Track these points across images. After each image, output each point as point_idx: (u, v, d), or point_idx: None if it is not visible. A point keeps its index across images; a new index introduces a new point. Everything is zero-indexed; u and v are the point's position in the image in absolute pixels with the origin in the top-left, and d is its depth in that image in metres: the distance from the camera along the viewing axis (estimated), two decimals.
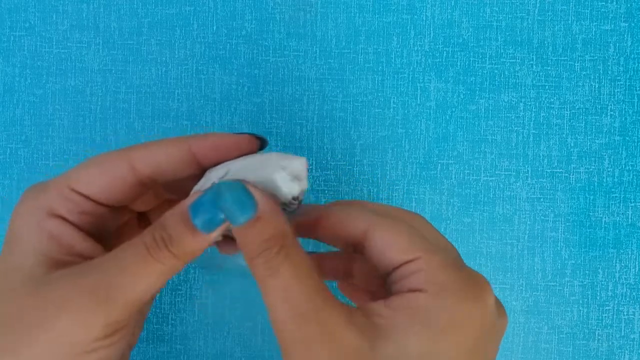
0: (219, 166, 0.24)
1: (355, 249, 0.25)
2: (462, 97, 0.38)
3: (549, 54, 0.38)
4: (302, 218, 0.25)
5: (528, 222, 0.38)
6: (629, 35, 0.38)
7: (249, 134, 0.25)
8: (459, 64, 0.38)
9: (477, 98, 0.38)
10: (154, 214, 0.29)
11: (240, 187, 0.22)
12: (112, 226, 0.26)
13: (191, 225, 0.22)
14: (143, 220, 0.29)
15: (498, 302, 0.24)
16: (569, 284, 0.38)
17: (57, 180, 0.24)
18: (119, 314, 0.22)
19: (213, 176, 0.24)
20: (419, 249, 0.22)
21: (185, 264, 0.23)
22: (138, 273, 0.22)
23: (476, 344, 0.22)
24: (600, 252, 0.38)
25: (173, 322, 0.37)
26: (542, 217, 0.38)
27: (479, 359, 0.22)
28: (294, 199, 0.23)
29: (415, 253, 0.22)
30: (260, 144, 0.25)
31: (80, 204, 0.24)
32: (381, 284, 0.24)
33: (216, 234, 0.22)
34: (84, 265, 0.22)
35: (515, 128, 0.38)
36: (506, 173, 0.38)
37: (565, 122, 0.38)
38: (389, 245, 0.23)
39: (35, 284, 0.22)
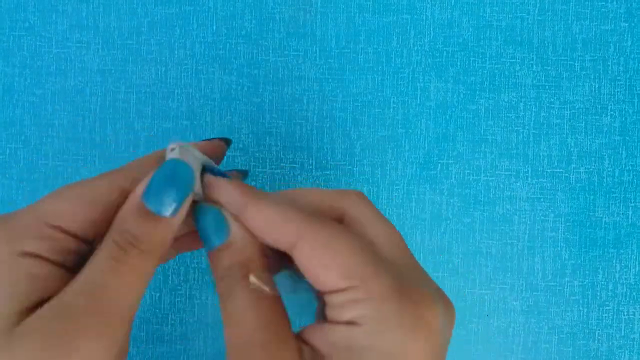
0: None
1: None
2: (462, 97, 0.38)
3: (549, 53, 0.38)
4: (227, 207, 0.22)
5: (528, 222, 0.38)
6: (629, 35, 0.38)
7: (218, 138, 0.24)
8: (459, 63, 0.38)
9: (477, 98, 0.38)
10: None
11: (216, 212, 0.21)
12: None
13: (150, 214, 0.20)
14: None
15: (445, 305, 0.21)
16: (569, 284, 0.37)
17: (30, 214, 0.21)
18: (120, 338, 0.20)
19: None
20: (356, 275, 0.20)
21: (161, 258, 0.21)
22: (119, 288, 0.20)
23: None
24: (601, 252, 0.38)
25: (173, 322, 0.37)
26: (542, 217, 0.38)
27: None
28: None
29: (352, 280, 0.20)
30: (226, 145, 0.25)
31: (60, 241, 0.21)
32: None
33: (180, 215, 0.21)
34: (54, 305, 0.20)
35: (516, 128, 0.38)
36: (506, 173, 0.38)
37: (565, 122, 0.38)
38: (322, 266, 0.20)
39: (10, 337, 0.19)
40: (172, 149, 0.22)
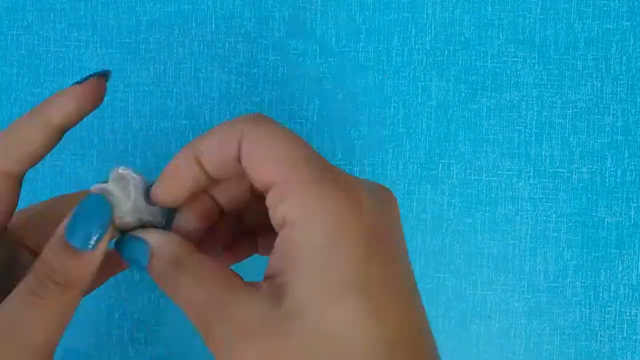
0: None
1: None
2: (464, 96, 0.37)
3: (551, 52, 0.37)
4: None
5: (530, 223, 0.37)
6: (632, 34, 0.38)
7: (93, 76, 0.24)
8: (460, 62, 0.37)
9: (478, 97, 0.37)
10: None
11: (129, 238, 0.21)
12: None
13: (70, 249, 0.21)
14: None
15: (379, 188, 0.21)
16: (571, 284, 0.37)
17: None
18: None
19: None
20: (287, 166, 0.19)
21: (83, 292, 0.21)
22: (32, 321, 0.20)
23: (367, 251, 0.19)
24: (603, 252, 0.37)
25: (171, 324, 0.37)
26: (544, 218, 0.37)
27: (378, 258, 0.19)
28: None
29: (285, 172, 0.19)
30: (105, 79, 0.24)
31: None
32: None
33: (101, 249, 0.21)
34: None
35: (517, 127, 0.37)
36: (508, 173, 0.37)
37: (567, 121, 0.38)
38: (258, 159, 0.20)
39: None
40: (109, 179, 0.22)
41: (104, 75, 0.24)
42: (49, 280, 0.20)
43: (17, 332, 0.20)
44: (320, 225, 0.19)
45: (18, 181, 0.23)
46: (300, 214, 0.19)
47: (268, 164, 0.20)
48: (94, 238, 0.21)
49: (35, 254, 0.24)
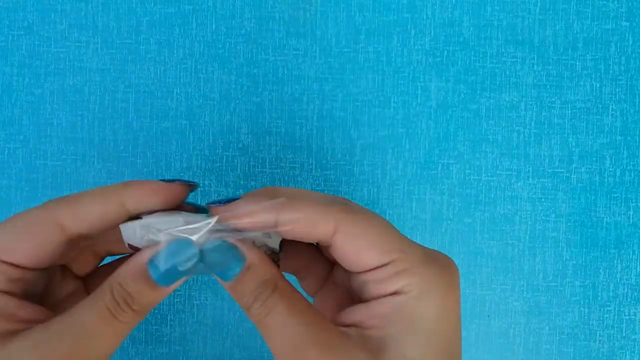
0: (158, 214, 0.24)
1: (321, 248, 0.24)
2: (463, 96, 0.38)
3: (550, 53, 0.38)
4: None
5: (529, 222, 0.37)
6: (630, 35, 0.38)
7: (180, 181, 0.24)
8: (459, 63, 0.38)
9: (478, 97, 0.37)
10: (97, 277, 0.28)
11: (225, 245, 0.22)
12: (52, 283, 0.26)
13: (151, 281, 0.22)
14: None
15: (446, 259, 0.24)
16: (570, 284, 0.37)
17: None
18: None
19: (157, 224, 0.23)
20: (395, 249, 0.22)
21: (145, 316, 0.23)
22: (104, 336, 0.22)
23: (457, 326, 0.23)
24: (602, 252, 0.37)
25: (172, 323, 0.37)
26: (543, 217, 0.37)
27: (460, 333, 0.23)
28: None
29: (393, 254, 0.22)
30: (190, 189, 0.25)
31: (6, 272, 0.23)
32: (344, 285, 0.25)
33: (175, 286, 0.23)
34: (43, 333, 0.22)
35: (516, 128, 0.37)
36: (507, 173, 0.37)
37: (566, 121, 0.38)
38: (364, 248, 0.22)
39: None
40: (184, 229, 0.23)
41: (189, 186, 0.25)
42: (125, 305, 0.22)
43: (91, 344, 0.22)
44: (433, 297, 0.22)
45: (68, 239, 0.23)
46: (418, 287, 0.22)
47: (373, 251, 0.22)
48: (177, 280, 0.22)
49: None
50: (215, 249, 0.22)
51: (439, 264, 0.22)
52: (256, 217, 0.22)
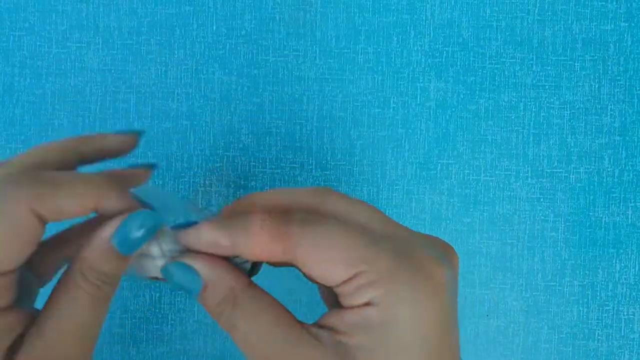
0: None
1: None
2: (462, 97, 0.38)
3: (549, 53, 0.38)
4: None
5: (528, 222, 0.38)
6: (629, 35, 0.38)
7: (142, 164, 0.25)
8: (458, 63, 0.38)
9: (477, 98, 0.38)
10: None
11: (181, 266, 0.22)
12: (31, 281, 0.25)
13: (119, 254, 0.22)
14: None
15: (448, 258, 0.22)
16: (568, 284, 0.37)
17: None
18: None
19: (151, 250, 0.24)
20: (360, 261, 0.21)
21: (115, 286, 0.23)
22: (94, 323, 0.23)
23: (441, 334, 0.21)
24: (600, 252, 0.38)
25: (172, 322, 0.37)
26: (542, 217, 0.38)
27: (448, 340, 0.22)
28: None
29: (358, 267, 0.21)
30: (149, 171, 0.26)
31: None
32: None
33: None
34: (44, 347, 0.22)
35: (515, 128, 0.38)
36: (506, 173, 0.38)
37: (565, 122, 0.38)
38: (326, 264, 0.21)
39: None
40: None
41: (151, 167, 0.26)
42: (104, 284, 0.23)
43: (86, 334, 0.23)
44: (405, 307, 0.21)
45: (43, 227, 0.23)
46: (387, 298, 0.21)
47: (337, 266, 0.21)
48: (141, 246, 0.23)
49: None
50: (175, 269, 0.22)
51: (411, 269, 0.21)
52: (204, 244, 0.22)
